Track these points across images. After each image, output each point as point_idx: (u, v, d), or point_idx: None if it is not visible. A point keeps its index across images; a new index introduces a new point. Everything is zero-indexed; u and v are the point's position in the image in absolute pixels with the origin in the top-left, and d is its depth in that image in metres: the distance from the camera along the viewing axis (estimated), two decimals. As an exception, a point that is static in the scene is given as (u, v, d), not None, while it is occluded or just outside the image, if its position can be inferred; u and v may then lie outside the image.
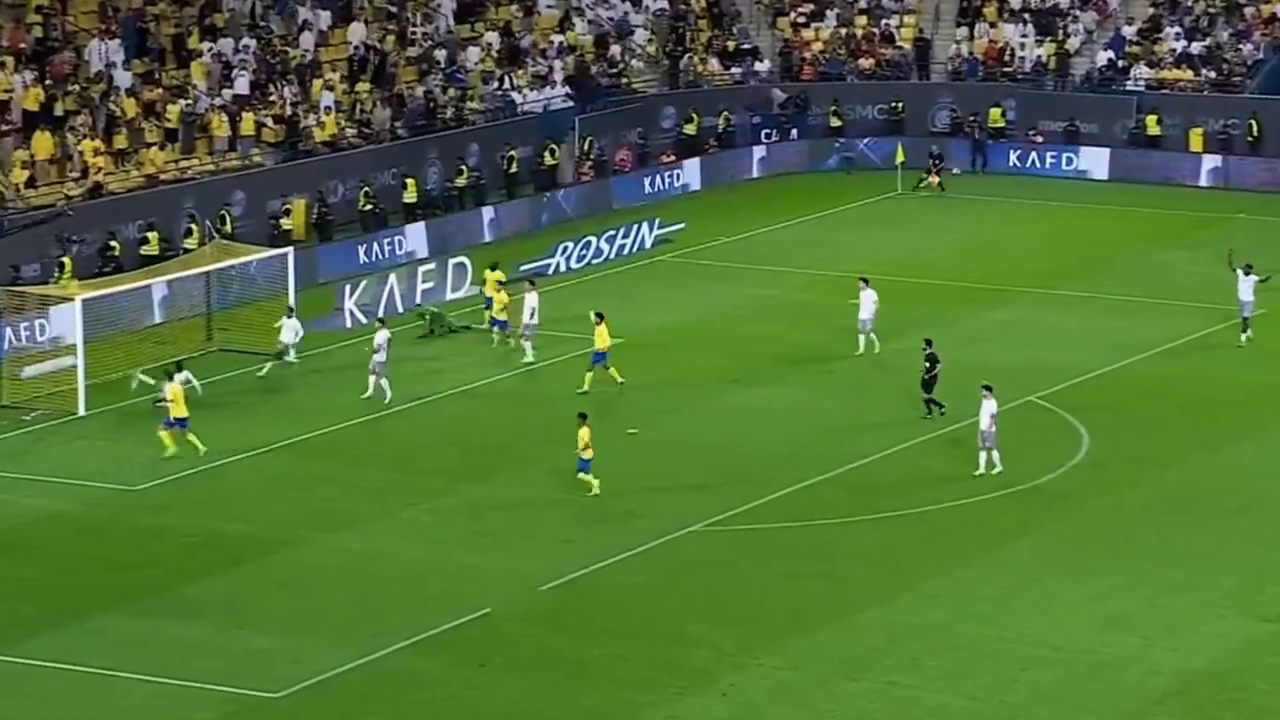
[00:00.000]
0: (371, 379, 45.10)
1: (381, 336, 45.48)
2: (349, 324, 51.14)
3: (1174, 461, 41.66)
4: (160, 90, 58.02)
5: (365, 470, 41.05)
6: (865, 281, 48.16)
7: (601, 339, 45.32)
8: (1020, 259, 57.98)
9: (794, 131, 69.17)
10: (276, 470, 41.21)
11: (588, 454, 39.12)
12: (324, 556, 36.88)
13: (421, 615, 34.10)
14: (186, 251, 52.66)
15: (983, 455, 40.22)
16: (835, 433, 43.14)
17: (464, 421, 44.05)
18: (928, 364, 43.36)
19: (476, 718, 30.95)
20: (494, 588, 35.39)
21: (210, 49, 60.79)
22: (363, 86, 62.24)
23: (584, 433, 39.15)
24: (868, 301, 47.81)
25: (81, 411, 44.02)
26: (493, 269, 50.42)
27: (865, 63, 71.03)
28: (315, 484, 40.29)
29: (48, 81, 56.21)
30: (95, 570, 36.18)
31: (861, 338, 47.99)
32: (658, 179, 65.14)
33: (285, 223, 57.14)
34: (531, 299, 48.09)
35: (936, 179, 65.07)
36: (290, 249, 51.72)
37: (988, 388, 40.43)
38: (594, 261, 57.03)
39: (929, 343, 43.82)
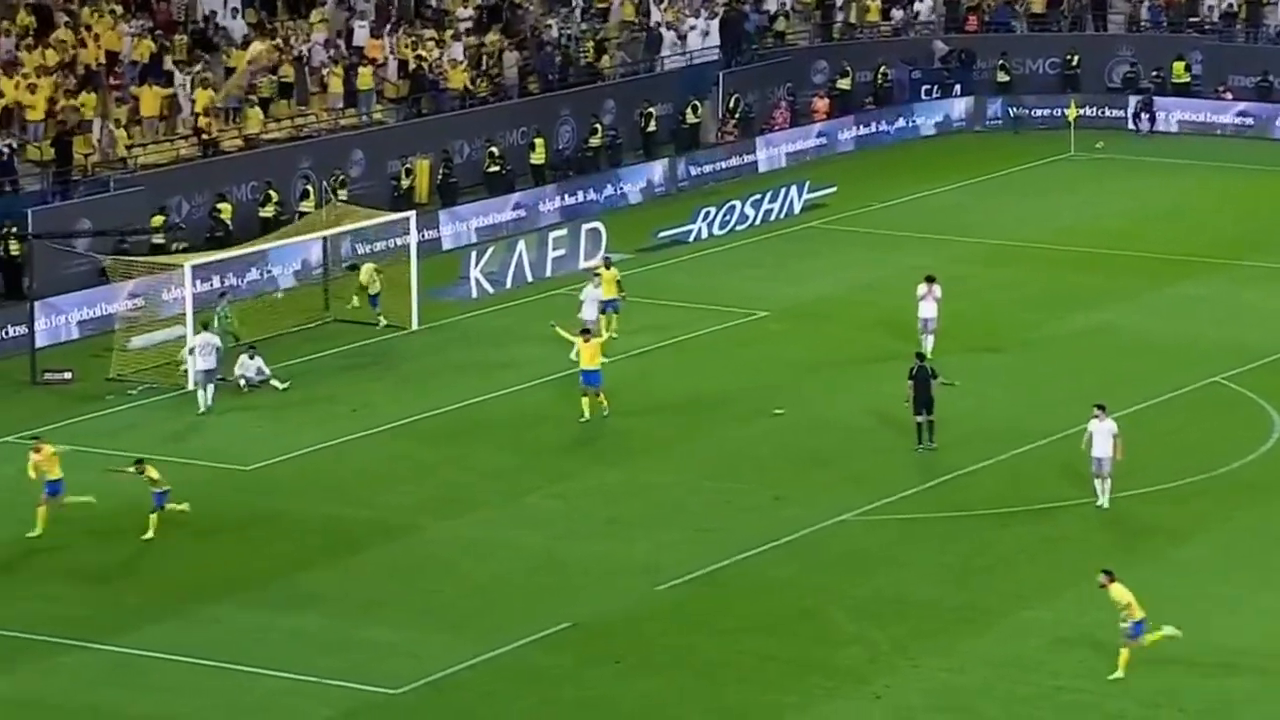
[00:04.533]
0: (202, 392, 43.16)
1: (202, 339, 43.43)
2: (475, 294, 51.60)
3: (1373, 450, 41.28)
4: (275, 41, 58.69)
5: (489, 452, 41.40)
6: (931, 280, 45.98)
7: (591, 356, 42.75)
8: (1209, 228, 57.44)
9: (957, 87, 68.88)
10: (396, 451, 41.62)
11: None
12: (446, 545, 37.26)
13: (548, 608, 34.38)
14: (302, 215, 53.33)
15: (1097, 483, 38.15)
16: (996, 416, 43.01)
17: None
18: (917, 380, 40.27)
19: (607, 719, 31.22)
20: (627, 580, 35.62)
21: (329, -4, 61.47)
22: (492, 38, 62.56)
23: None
24: (930, 301, 45.80)
25: (191, 385, 44.68)
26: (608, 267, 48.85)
27: (1037, 9, 70.56)
28: (437, 467, 40.70)
29: (158, 32, 57.03)
30: (206, 557, 36.77)
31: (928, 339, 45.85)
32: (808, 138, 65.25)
33: (407, 184, 57.68)
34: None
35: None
36: (413, 213, 52.19)
37: (1100, 407, 38.26)
38: (738, 228, 57.14)
39: (921, 357, 41.14)
